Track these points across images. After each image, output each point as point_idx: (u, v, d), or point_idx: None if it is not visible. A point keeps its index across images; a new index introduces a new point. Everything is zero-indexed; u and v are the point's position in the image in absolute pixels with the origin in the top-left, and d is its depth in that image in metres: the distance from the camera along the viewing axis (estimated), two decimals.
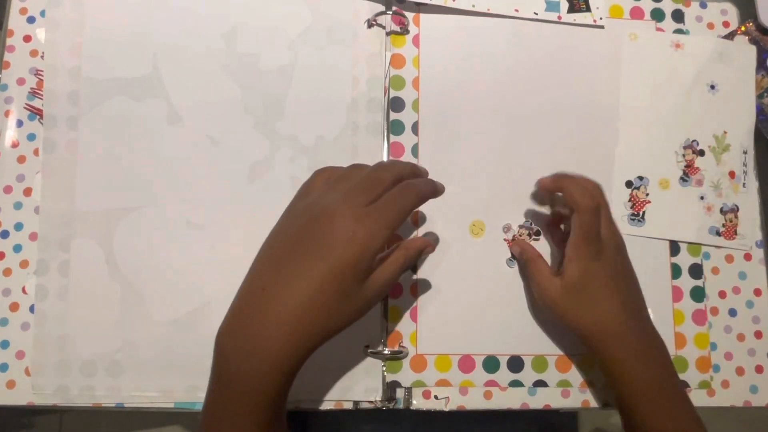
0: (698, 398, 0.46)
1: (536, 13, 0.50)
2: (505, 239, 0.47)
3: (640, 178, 0.48)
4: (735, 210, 0.49)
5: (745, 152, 0.50)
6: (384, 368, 0.44)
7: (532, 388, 0.45)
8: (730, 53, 0.51)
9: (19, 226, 0.45)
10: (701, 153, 0.49)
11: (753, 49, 0.51)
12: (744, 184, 0.49)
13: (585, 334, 0.40)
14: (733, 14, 0.52)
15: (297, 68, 0.48)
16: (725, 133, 0.49)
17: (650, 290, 0.46)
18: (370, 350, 0.44)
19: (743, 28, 0.52)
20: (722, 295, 0.47)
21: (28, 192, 0.45)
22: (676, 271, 0.47)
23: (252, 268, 0.37)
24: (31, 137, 0.46)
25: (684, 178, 0.48)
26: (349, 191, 0.35)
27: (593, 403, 0.45)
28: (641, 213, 0.48)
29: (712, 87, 0.50)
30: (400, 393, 0.44)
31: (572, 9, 0.50)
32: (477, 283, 0.46)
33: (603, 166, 0.48)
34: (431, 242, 0.40)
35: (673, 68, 0.50)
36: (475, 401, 0.44)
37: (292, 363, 0.34)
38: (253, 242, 0.45)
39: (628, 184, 0.48)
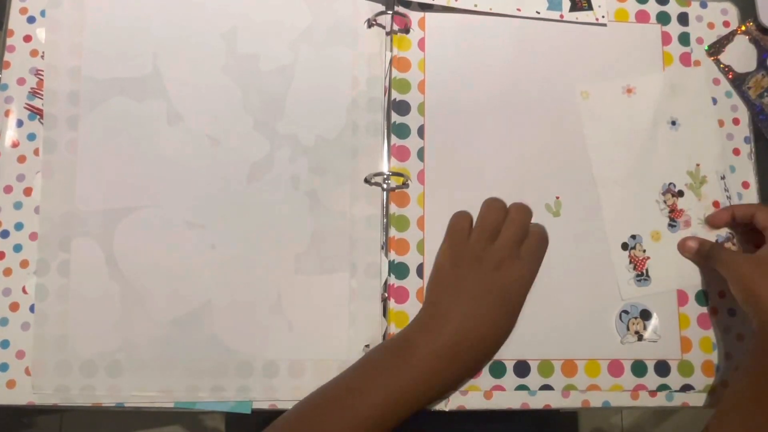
0: (704, 402, 0.46)
1: (538, 12, 0.50)
2: None
3: (633, 237, 0.47)
4: (731, 238, 0.48)
5: (722, 177, 0.49)
6: None
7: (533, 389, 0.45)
8: (682, 83, 0.50)
9: (19, 226, 0.45)
10: (680, 194, 0.48)
11: (702, 69, 0.50)
12: None
13: None
14: (733, 14, 0.52)
15: (297, 68, 0.48)
16: (698, 165, 0.49)
17: (655, 294, 0.46)
18: (370, 350, 0.44)
19: (743, 28, 0.52)
20: (721, 295, 0.47)
21: (28, 192, 0.45)
22: None
23: (423, 308, 0.44)
24: (31, 137, 0.46)
25: (672, 224, 0.48)
26: (503, 240, 0.43)
27: (593, 403, 0.45)
28: (644, 271, 0.47)
29: (673, 123, 0.49)
30: None
31: (574, 7, 0.50)
32: None
33: (610, 169, 0.48)
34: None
35: (630, 115, 0.49)
36: (475, 401, 0.44)
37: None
38: (253, 242, 0.45)
39: (624, 246, 0.47)
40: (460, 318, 0.40)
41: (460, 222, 0.45)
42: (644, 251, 0.47)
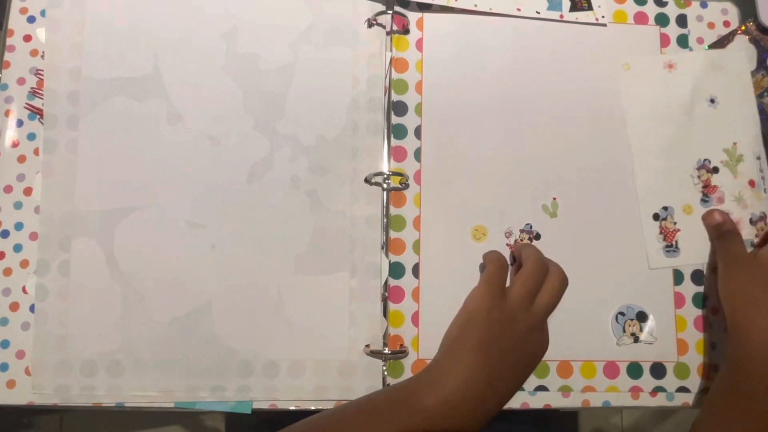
0: (700, 403, 0.46)
1: (538, 12, 0.50)
2: (507, 244, 0.47)
3: (665, 208, 0.48)
4: (764, 217, 0.48)
5: (758, 158, 0.49)
6: (384, 368, 0.44)
7: (531, 391, 0.45)
8: (723, 62, 0.50)
9: (19, 226, 0.45)
10: (715, 170, 0.48)
11: (744, 53, 0.51)
12: (765, 189, 0.49)
13: None
14: (733, 14, 0.52)
15: (297, 68, 0.48)
16: (735, 144, 0.49)
17: (652, 297, 0.46)
18: (370, 350, 0.44)
19: (743, 28, 0.52)
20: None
21: (28, 192, 0.45)
22: (678, 277, 0.47)
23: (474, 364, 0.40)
24: (31, 137, 0.46)
25: (704, 199, 0.48)
26: (543, 318, 0.42)
27: (593, 403, 0.45)
28: (674, 243, 0.47)
29: (712, 101, 0.49)
30: None
31: (574, 8, 0.50)
32: None
33: (609, 168, 0.48)
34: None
35: (670, 91, 0.50)
36: None
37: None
38: (253, 242, 0.45)
39: (656, 216, 0.48)
40: (478, 373, 0.38)
41: (498, 271, 0.43)
42: (675, 223, 0.48)
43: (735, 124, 0.49)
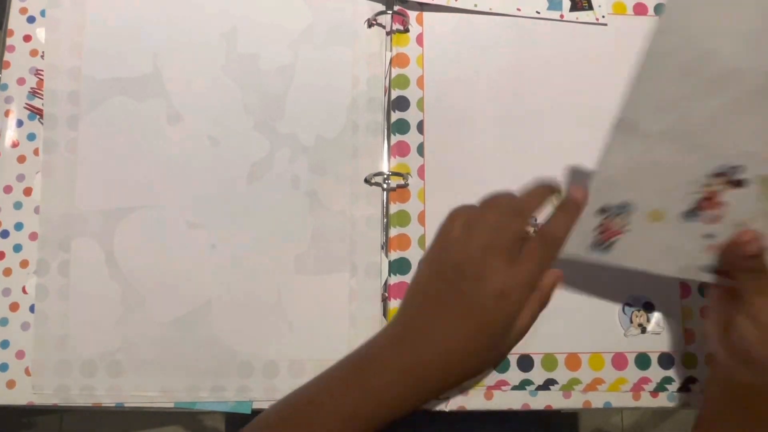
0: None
1: (538, 12, 0.50)
2: None
3: (623, 206, 0.36)
4: None
5: None
6: None
7: (534, 390, 0.45)
8: None
9: (19, 226, 0.45)
10: (738, 184, 0.34)
11: None
12: None
13: None
14: None
15: (297, 68, 0.48)
16: None
17: (658, 286, 0.46)
18: None
19: None
20: None
21: (28, 192, 0.45)
22: None
23: (397, 318, 0.38)
24: (31, 137, 0.46)
25: (691, 213, 0.35)
26: (489, 250, 0.35)
27: (594, 404, 0.45)
28: (609, 242, 0.37)
29: None
30: None
31: (574, 7, 0.50)
32: None
33: None
34: (559, 272, 0.36)
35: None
36: (475, 401, 0.44)
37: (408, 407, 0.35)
38: (253, 242, 0.45)
39: (602, 210, 0.36)
40: (433, 338, 0.35)
41: (448, 221, 0.38)
42: (624, 225, 0.38)
43: None
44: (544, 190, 0.38)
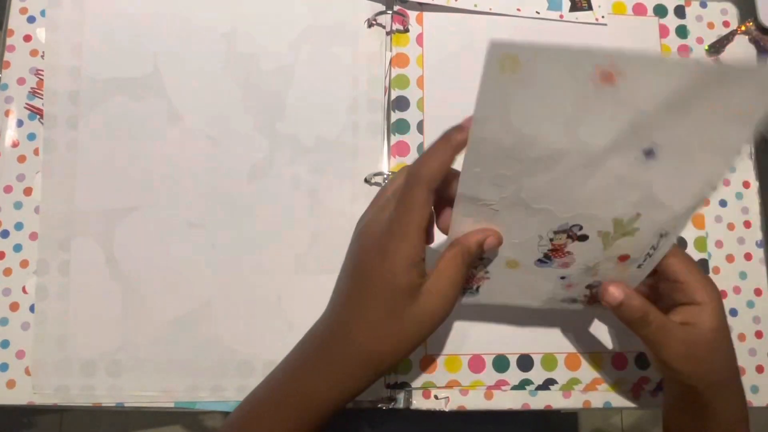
0: None
1: (538, 12, 0.50)
2: None
3: (481, 258, 0.36)
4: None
5: (662, 235, 0.34)
6: None
7: (533, 390, 0.45)
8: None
9: (19, 226, 0.45)
10: (582, 238, 0.34)
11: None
12: (639, 265, 0.36)
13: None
14: (733, 14, 0.52)
15: (297, 68, 0.48)
16: (637, 215, 0.33)
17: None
18: None
19: (743, 28, 0.52)
20: (723, 294, 0.47)
21: (28, 192, 0.45)
22: None
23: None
24: (31, 137, 0.46)
25: (542, 261, 0.36)
26: (370, 206, 0.34)
27: (594, 404, 0.45)
28: (475, 286, 0.38)
29: (649, 153, 0.30)
30: (400, 393, 0.44)
31: (574, 7, 0.50)
32: None
33: None
34: (492, 231, 0.33)
35: (578, 120, 0.29)
36: (475, 401, 0.44)
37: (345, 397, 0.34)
38: (253, 242, 0.45)
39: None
40: (348, 330, 0.34)
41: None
42: (487, 272, 0.38)
43: (664, 192, 0.33)
44: (443, 145, 0.33)
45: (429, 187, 0.31)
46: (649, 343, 0.36)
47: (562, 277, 0.37)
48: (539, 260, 0.36)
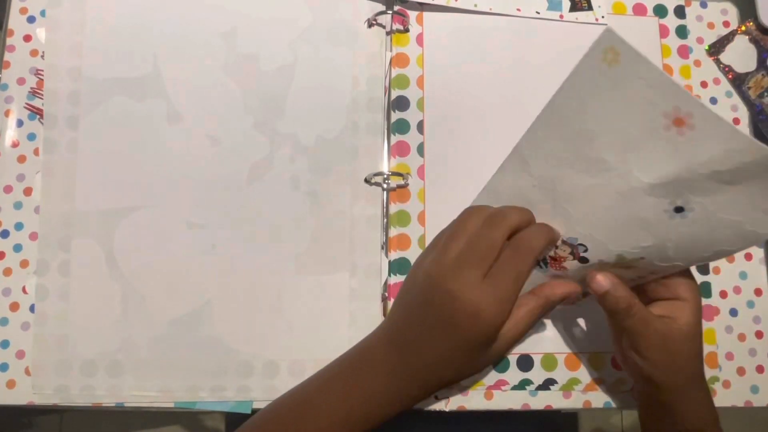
0: None
1: (538, 12, 0.50)
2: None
3: None
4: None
5: (652, 272, 0.36)
6: None
7: (533, 390, 0.45)
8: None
9: (19, 226, 0.45)
10: (583, 260, 0.36)
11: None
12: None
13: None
14: (733, 14, 0.52)
15: (297, 68, 0.48)
16: (642, 259, 0.34)
17: None
18: None
19: (743, 28, 0.52)
20: (723, 295, 0.47)
21: (28, 192, 0.45)
22: None
23: (387, 321, 0.39)
24: (31, 137, 0.46)
25: (540, 265, 0.37)
26: (463, 260, 0.34)
27: (594, 404, 0.45)
28: None
29: (679, 210, 0.31)
30: None
31: (574, 8, 0.50)
32: None
33: None
34: (576, 288, 0.35)
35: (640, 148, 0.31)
36: (475, 401, 0.44)
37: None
38: (253, 242, 0.45)
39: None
40: (416, 346, 0.35)
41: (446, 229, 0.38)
42: None
43: (679, 253, 0.34)
44: (524, 210, 0.36)
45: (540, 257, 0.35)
46: (630, 333, 0.36)
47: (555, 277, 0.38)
48: (539, 265, 0.37)
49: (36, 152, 0.46)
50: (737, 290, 0.48)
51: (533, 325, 0.36)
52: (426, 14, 0.49)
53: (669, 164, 0.29)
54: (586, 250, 0.35)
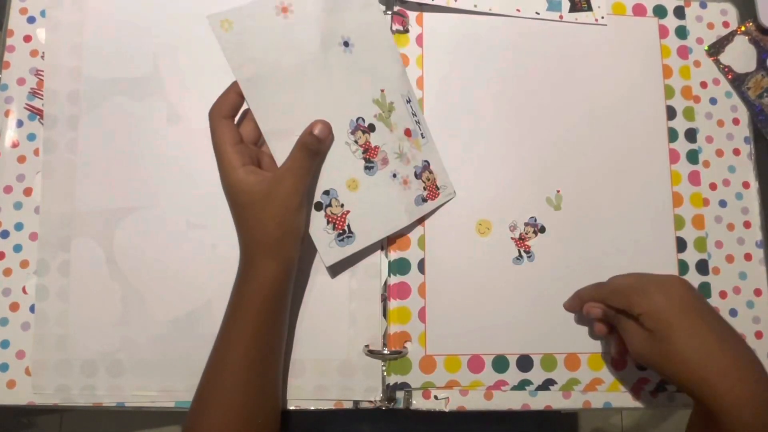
0: None
1: (538, 13, 0.50)
2: (512, 238, 0.47)
3: (327, 192, 0.41)
4: (427, 166, 0.45)
5: (408, 101, 0.44)
6: (384, 368, 0.44)
7: (533, 390, 0.45)
8: None
9: (19, 226, 0.45)
10: (372, 128, 0.42)
11: None
12: (422, 134, 0.45)
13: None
14: (732, 14, 0.52)
15: None
16: (383, 91, 0.42)
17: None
18: (370, 350, 0.44)
19: (743, 28, 0.52)
20: (723, 295, 0.47)
21: (28, 192, 0.45)
22: (683, 268, 0.48)
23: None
24: (31, 137, 0.46)
25: (368, 166, 0.41)
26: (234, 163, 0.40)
27: (594, 404, 0.45)
28: (346, 228, 0.42)
29: (346, 44, 0.41)
30: (400, 393, 0.44)
31: (574, 8, 0.50)
32: (485, 283, 0.46)
33: (610, 163, 0.48)
34: (320, 121, 0.39)
35: (291, 43, 0.40)
36: (475, 402, 0.44)
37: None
38: None
39: (318, 206, 0.41)
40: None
41: None
42: (342, 205, 0.42)
43: (378, 66, 0.43)
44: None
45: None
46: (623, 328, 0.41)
47: (394, 175, 0.43)
48: (366, 167, 0.42)
49: (36, 152, 0.46)
50: (737, 290, 0.48)
51: (306, 171, 0.38)
52: (426, 15, 0.49)
53: (307, 30, 0.40)
54: (363, 120, 0.42)
